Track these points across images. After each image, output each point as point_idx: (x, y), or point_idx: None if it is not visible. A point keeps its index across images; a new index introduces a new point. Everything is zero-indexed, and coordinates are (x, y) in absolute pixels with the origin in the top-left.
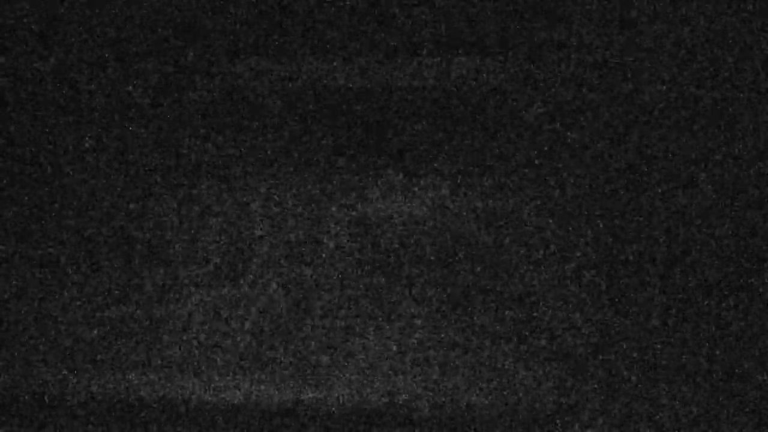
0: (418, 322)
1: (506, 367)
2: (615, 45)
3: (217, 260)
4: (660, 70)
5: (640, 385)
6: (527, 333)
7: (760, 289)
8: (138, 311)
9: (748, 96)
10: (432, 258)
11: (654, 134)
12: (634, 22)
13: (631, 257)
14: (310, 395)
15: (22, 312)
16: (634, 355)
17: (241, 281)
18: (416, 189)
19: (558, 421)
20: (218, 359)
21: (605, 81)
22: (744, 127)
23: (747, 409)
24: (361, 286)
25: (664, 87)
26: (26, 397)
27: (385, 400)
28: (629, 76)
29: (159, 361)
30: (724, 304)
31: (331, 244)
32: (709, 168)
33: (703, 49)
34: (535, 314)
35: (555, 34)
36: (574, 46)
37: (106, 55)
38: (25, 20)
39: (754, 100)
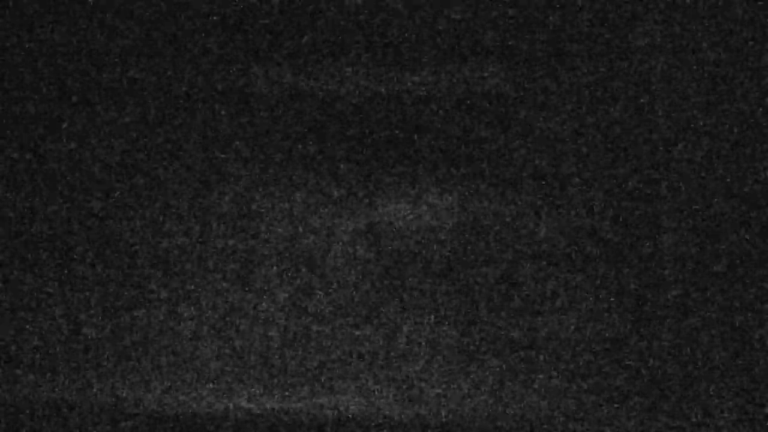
0: (426, 330)
1: (512, 375)
2: (617, 49)
3: (226, 268)
4: (665, 73)
5: (644, 394)
6: (533, 342)
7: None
8: (146, 319)
9: (752, 103)
10: (440, 266)
11: (661, 139)
12: (635, 25)
13: (639, 266)
14: (318, 402)
15: (29, 319)
16: (640, 364)
17: (250, 289)
18: (425, 197)
19: (562, 430)
20: (227, 367)
21: (611, 85)
22: (747, 134)
23: (748, 418)
24: (369, 294)
25: (670, 91)
26: (32, 404)
27: (392, 407)
28: (634, 80)
29: (167, 369)
30: (728, 312)
31: (341, 253)
32: (718, 172)
33: (708, 52)
34: (541, 323)
35: (558, 40)
36: (577, 52)
37: (116, 61)
38: (30, 26)
39: (759, 103)
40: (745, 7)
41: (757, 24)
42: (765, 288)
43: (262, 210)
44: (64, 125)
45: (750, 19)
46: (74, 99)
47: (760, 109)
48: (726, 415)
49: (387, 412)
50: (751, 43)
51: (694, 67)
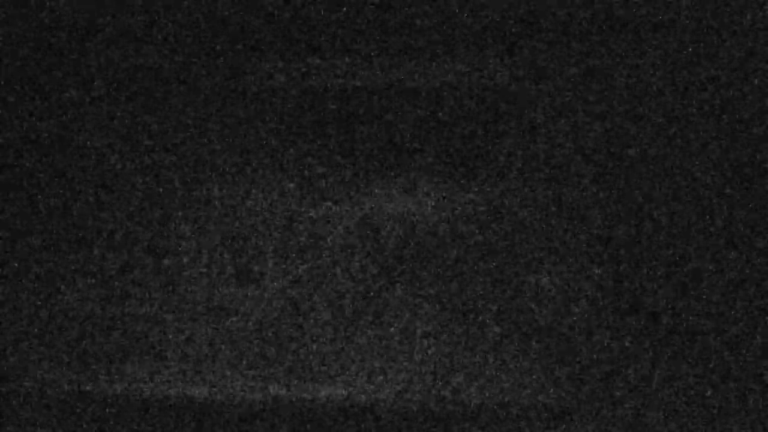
0: (421, 322)
1: (509, 367)
2: (616, 48)
3: (221, 260)
4: (662, 72)
5: (642, 387)
6: (530, 333)
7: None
8: (142, 311)
9: (750, 100)
10: (435, 258)
11: (657, 136)
12: (635, 25)
13: (635, 258)
14: (313, 394)
15: (26, 312)
16: (638, 356)
17: (245, 281)
18: (419, 189)
19: (559, 421)
20: (222, 358)
21: (607, 83)
22: (747, 131)
23: (747, 414)
24: (364, 286)
25: (667, 89)
26: (29, 397)
27: (388, 398)
28: (631, 77)
29: (163, 360)
30: (728, 306)
31: (335, 244)
32: (711, 169)
33: (705, 52)
34: (537, 315)
35: (556, 38)
36: (575, 48)
37: (112, 56)
38: (32, 18)
39: (756, 103)
40: (746, 8)
41: (758, 23)
42: (763, 287)
43: (257, 202)
44: (62, 121)
45: (751, 17)
46: (72, 95)
47: (760, 108)
48: (724, 412)
49: (382, 403)
50: (752, 42)
51: (695, 64)
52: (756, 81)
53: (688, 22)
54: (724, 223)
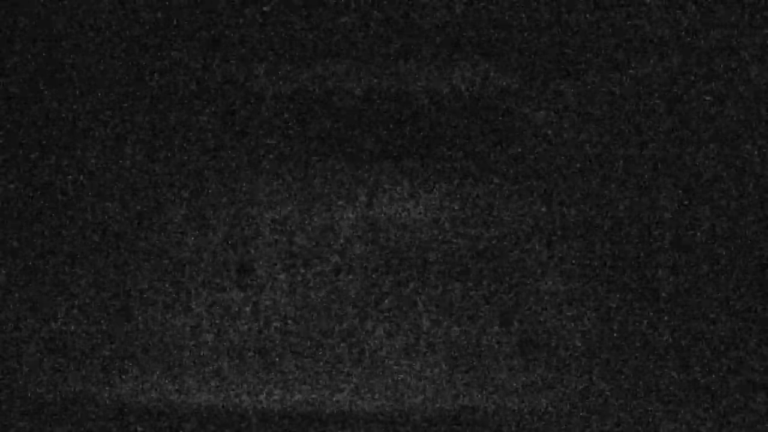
0: (425, 325)
1: (510, 370)
2: (616, 49)
3: (224, 264)
4: (663, 72)
5: (639, 389)
6: (531, 337)
7: (763, 298)
8: (145, 315)
9: (750, 103)
10: (438, 261)
11: (657, 138)
12: (635, 26)
13: (634, 261)
14: (316, 398)
15: (26, 316)
16: (636, 359)
17: (248, 285)
18: (423, 193)
19: (560, 423)
20: (225, 363)
21: (607, 86)
22: (746, 133)
23: (746, 415)
24: (367, 289)
25: (667, 90)
26: (31, 401)
27: (390, 402)
28: (632, 80)
29: (165, 365)
30: (726, 309)
31: (338, 248)
32: (712, 171)
33: (705, 51)
34: (538, 318)
35: (557, 39)
36: (575, 51)
37: (113, 58)
38: (31, 24)
39: (755, 105)
40: (749, 13)
41: (759, 27)
42: (763, 283)
43: (260, 206)
44: (61, 124)
45: (753, 22)
46: (72, 96)
47: (757, 110)
48: (728, 410)
49: (385, 408)
50: (753, 48)
51: (694, 65)
52: (758, 80)
53: (687, 23)
54: (725, 224)
